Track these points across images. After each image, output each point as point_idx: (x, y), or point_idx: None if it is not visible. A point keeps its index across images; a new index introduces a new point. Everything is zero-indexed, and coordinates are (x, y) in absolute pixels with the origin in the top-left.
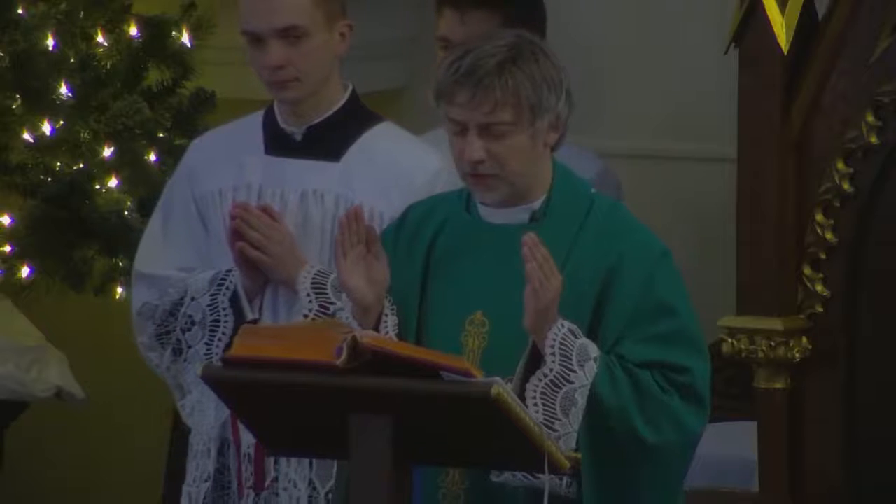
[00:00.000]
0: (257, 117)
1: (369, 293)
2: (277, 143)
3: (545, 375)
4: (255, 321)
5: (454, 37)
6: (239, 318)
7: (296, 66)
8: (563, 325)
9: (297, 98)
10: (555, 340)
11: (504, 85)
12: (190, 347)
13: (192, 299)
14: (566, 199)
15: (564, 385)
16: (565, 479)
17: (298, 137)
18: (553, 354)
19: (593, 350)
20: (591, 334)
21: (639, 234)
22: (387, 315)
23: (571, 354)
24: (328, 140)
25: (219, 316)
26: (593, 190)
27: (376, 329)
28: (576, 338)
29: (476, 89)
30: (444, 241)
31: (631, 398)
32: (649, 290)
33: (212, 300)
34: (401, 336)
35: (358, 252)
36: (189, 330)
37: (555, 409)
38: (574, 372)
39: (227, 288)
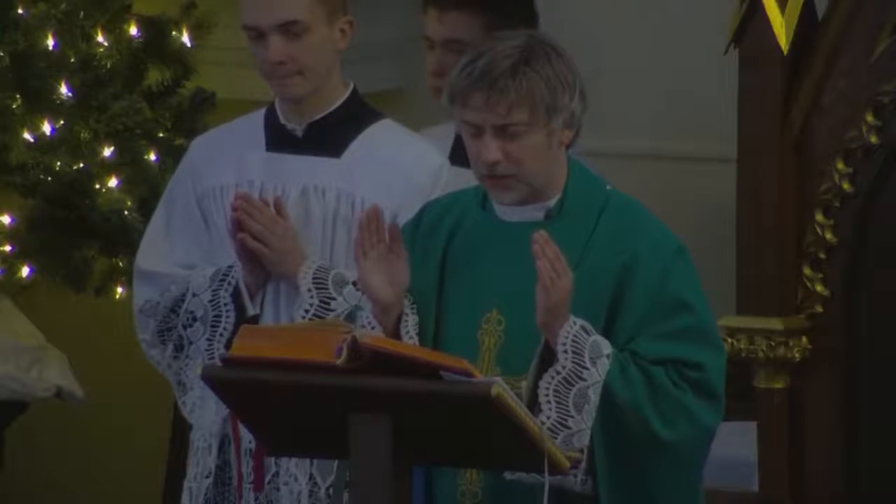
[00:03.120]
0: (259, 115)
1: (390, 292)
2: (278, 139)
3: (558, 373)
4: (256, 317)
5: (435, 37)
6: (240, 313)
7: (297, 61)
8: (575, 323)
9: (300, 95)
10: (567, 338)
11: (518, 86)
12: (191, 343)
13: (194, 295)
14: (581, 197)
15: (577, 382)
16: (580, 477)
17: (299, 134)
18: (566, 352)
19: (606, 347)
20: (607, 331)
21: (654, 231)
22: (407, 314)
23: (584, 351)
24: (329, 136)
25: (220, 312)
26: (609, 187)
27: (397, 328)
28: (588, 335)
29: (491, 91)
30: (460, 239)
31: (644, 394)
32: (665, 287)
33: (213, 296)
34: (420, 334)
35: (379, 251)
36: (190, 326)
37: (568, 406)
38: (587, 369)
39: (229, 283)
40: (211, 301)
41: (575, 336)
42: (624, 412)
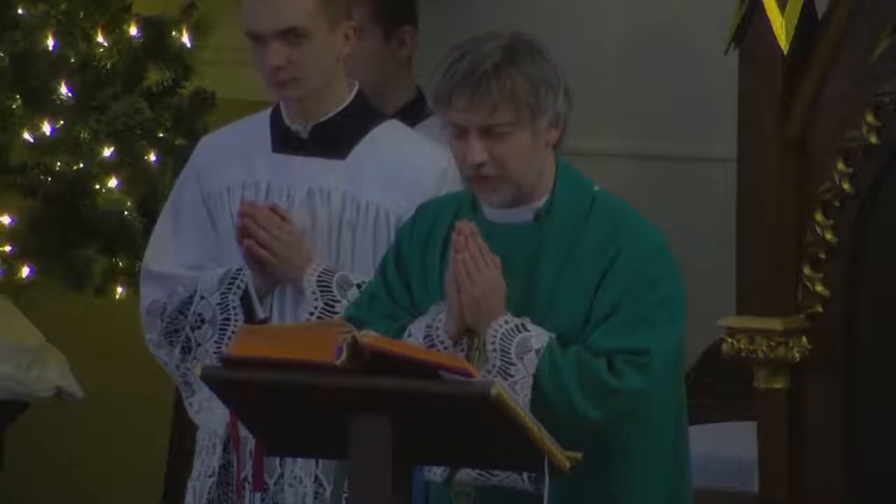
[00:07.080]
0: (264, 116)
1: None
2: (284, 141)
3: (489, 371)
4: (265, 320)
5: None
6: (249, 316)
7: (295, 67)
8: (506, 322)
9: (296, 97)
10: (495, 336)
11: (502, 86)
12: (199, 345)
13: (202, 297)
14: (570, 198)
15: (507, 379)
16: (525, 475)
17: (304, 135)
18: (494, 350)
19: (537, 342)
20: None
21: (639, 228)
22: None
23: (510, 348)
24: (334, 138)
25: (229, 314)
26: (596, 187)
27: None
28: (519, 332)
29: (474, 92)
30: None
31: (573, 385)
32: (643, 272)
33: (222, 298)
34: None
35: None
36: (199, 328)
37: None
38: (514, 365)
39: (238, 286)
40: (220, 304)
41: (504, 334)
42: (553, 402)
